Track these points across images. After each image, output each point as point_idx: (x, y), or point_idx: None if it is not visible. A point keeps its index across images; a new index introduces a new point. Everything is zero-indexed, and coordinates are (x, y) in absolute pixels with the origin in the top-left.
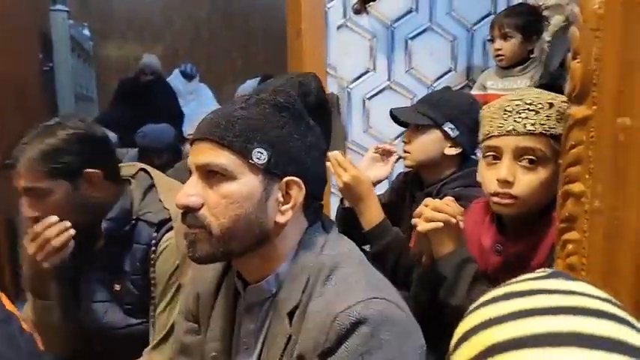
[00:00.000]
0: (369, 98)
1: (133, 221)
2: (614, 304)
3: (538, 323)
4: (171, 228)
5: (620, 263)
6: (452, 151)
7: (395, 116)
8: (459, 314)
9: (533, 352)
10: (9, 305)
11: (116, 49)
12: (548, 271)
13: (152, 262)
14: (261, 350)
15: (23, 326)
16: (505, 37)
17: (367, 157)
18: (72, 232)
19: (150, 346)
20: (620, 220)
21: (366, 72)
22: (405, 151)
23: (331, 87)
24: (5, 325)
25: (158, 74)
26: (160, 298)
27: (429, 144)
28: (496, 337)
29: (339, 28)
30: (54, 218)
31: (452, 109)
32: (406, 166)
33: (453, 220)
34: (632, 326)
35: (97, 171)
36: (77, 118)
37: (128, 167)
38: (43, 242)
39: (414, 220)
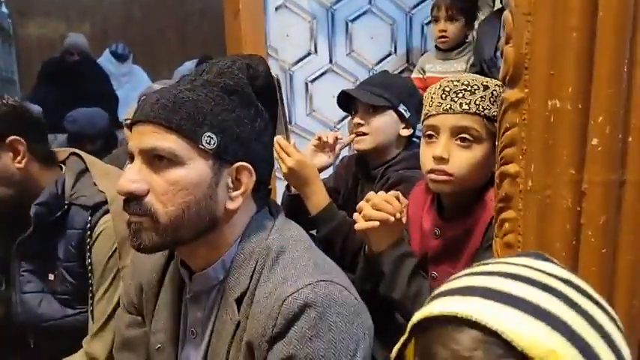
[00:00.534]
0: (312, 81)
1: (66, 206)
2: (577, 289)
3: (471, 280)
4: (107, 211)
5: (552, 240)
6: (406, 132)
7: (340, 99)
8: (401, 307)
9: (446, 298)
10: None
11: (38, 27)
12: (534, 252)
13: (88, 247)
14: (210, 338)
15: None
16: (451, 19)
17: (310, 146)
18: None
19: (89, 335)
20: (551, 199)
21: (308, 54)
22: (363, 133)
23: (273, 69)
24: None
25: (86, 54)
26: (98, 284)
27: (387, 125)
28: (440, 289)
29: (277, 8)
30: None
31: (401, 91)
32: (359, 149)
33: (391, 219)
34: (576, 307)
35: (20, 139)
36: (6, 96)
37: (59, 152)
38: None
39: (355, 216)
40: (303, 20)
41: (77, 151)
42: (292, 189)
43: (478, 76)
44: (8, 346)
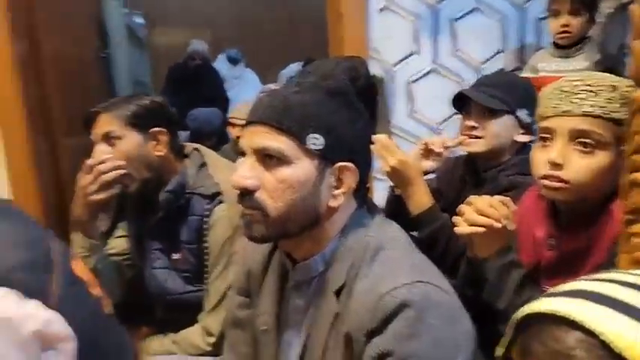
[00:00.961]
0: (414, 81)
1: (188, 195)
2: None
3: (582, 284)
4: (221, 201)
5: None
6: (524, 138)
7: (456, 99)
8: (506, 318)
9: (551, 299)
10: (78, 270)
11: (167, 35)
12: None
13: (205, 232)
14: (309, 326)
15: (90, 290)
16: (575, 12)
17: (417, 150)
18: (122, 171)
19: (204, 312)
20: None
21: (410, 54)
22: (476, 137)
23: (374, 70)
24: (75, 289)
25: (206, 59)
26: (213, 265)
27: (503, 130)
28: (549, 291)
29: (381, 10)
30: (110, 155)
31: (521, 94)
32: (470, 152)
33: (498, 225)
34: None
35: (164, 130)
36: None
37: (185, 146)
38: (97, 174)
39: (455, 219)
40: (406, 20)
41: (198, 146)
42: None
43: (607, 75)
44: (139, 316)
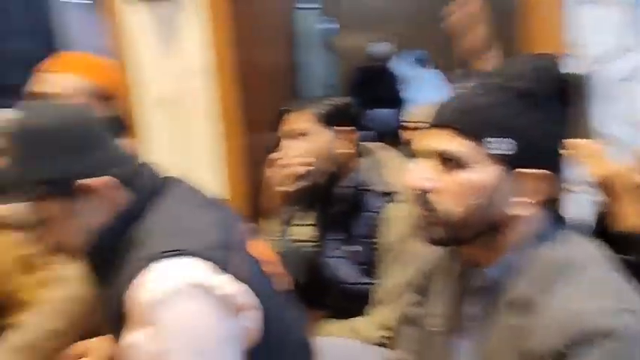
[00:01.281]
0: (624, 81)
1: (362, 191)
2: None
3: None
4: (394, 199)
5: None
6: None
7: None
8: None
9: None
10: (256, 252)
11: (354, 38)
12: None
13: (378, 228)
14: (483, 335)
15: (265, 269)
16: None
17: (634, 161)
18: (311, 167)
19: (371, 306)
20: None
21: (621, 50)
22: None
23: (571, 68)
24: (255, 267)
25: (385, 62)
26: (384, 261)
27: None
28: None
29: (583, 1)
30: (299, 152)
31: None
32: None
33: None
34: None
35: (352, 129)
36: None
37: (361, 145)
38: (286, 165)
39: None
40: (616, 10)
41: (373, 144)
42: None
43: None
44: (312, 301)
